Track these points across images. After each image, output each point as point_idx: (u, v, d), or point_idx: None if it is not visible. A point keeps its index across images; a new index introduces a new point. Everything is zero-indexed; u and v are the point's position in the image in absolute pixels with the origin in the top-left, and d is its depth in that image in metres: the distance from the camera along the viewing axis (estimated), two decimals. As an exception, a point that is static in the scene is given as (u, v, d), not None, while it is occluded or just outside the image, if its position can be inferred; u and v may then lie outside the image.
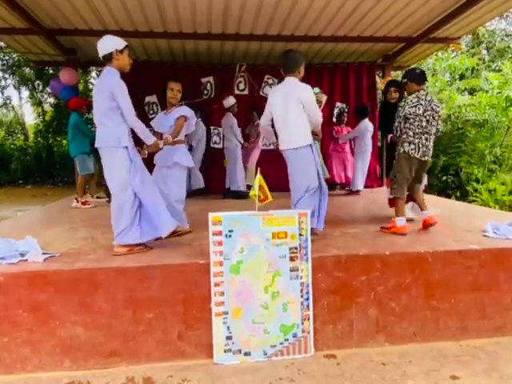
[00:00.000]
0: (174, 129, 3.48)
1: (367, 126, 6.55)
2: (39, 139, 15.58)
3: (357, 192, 6.61)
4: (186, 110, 3.58)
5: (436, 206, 4.44)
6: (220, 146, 7.13)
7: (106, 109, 2.87)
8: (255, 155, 6.63)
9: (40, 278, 2.53)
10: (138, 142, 3.08)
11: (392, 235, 3.50)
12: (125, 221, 2.92)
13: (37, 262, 2.70)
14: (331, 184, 6.61)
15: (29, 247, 2.82)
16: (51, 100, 15.84)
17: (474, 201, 7.85)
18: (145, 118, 6.61)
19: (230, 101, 6.29)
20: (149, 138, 3.05)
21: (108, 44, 2.91)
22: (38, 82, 15.48)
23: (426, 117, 3.56)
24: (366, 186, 7.08)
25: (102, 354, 2.55)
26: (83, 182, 5.84)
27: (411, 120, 3.55)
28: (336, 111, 7.33)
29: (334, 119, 7.28)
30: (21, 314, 2.48)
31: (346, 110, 7.30)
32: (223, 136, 6.78)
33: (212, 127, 7.09)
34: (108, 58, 2.91)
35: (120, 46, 2.91)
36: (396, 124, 3.66)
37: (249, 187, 6.22)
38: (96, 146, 2.96)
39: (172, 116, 3.54)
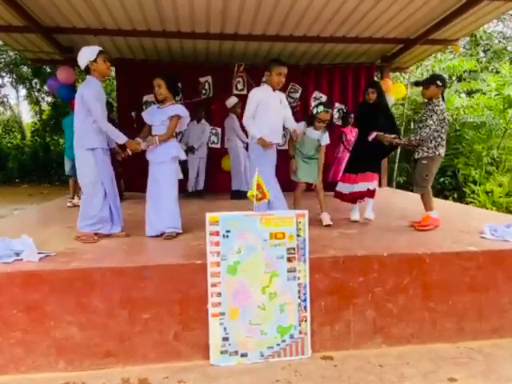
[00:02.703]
0: (168, 129, 3.46)
1: None
2: (36, 138, 15.54)
3: None
4: (181, 109, 3.55)
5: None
6: (218, 145, 7.12)
7: (78, 113, 3.25)
8: None
9: (35, 277, 2.50)
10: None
11: (391, 235, 3.51)
12: (83, 210, 3.33)
13: (32, 262, 2.67)
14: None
15: (24, 246, 2.79)
16: (48, 99, 15.80)
17: (471, 202, 7.86)
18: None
19: (231, 100, 6.25)
20: (120, 138, 3.33)
21: (82, 58, 3.26)
22: (35, 80, 15.44)
23: None
24: None
25: (98, 355, 2.52)
26: None
27: (444, 124, 3.81)
28: (337, 112, 7.29)
29: (339, 121, 7.19)
30: (15, 313, 2.46)
31: (345, 110, 7.28)
32: (223, 136, 6.78)
33: (210, 127, 7.07)
34: (87, 70, 3.29)
35: (92, 57, 3.24)
36: (433, 127, 3.75)
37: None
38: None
39: (166, 112, 3.49)
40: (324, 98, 7.29)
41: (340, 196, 4.38)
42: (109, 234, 3.42)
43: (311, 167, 4.19)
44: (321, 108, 4.05)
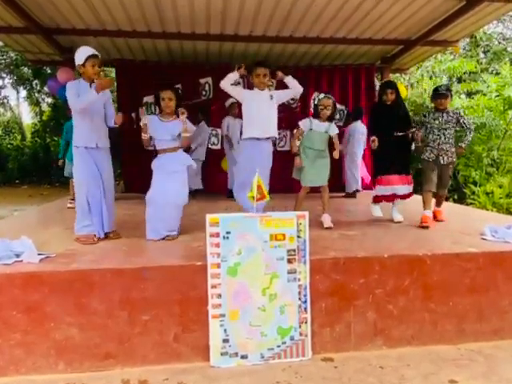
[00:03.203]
0: (183, 142, 3.51)
1: (357, 127, 6.56)
2: (36, 139, 15.54)
3: (352, 194, 6.61)
4: (189, 126, 3.56)
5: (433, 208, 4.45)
6: (218, 147, 7.13)
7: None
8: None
9: (35, 278, 2.50)
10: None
11: (392, 236, 3.51)
12: (77, 213, 3.33)
13: (32, 263, 2.66)
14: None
15: (24, 248, 2.79)
16: (49, 100, 15.80)
17: (471, 203, 7.86)
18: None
19: (228, 100, 6.31)
20: (91, 94, 3.17)
21: (75, 60, 3.30)
22: (35, 81, 15.45)
23: None
24: (365, 188, 7.06)
25: (98, 356, 2.52)
26: None
27: None
28: (338, 113, 7.30)
29: (341, 123, 7.21)
30: (15, 315, 2.45)
31: (346, 111, 7.29)
32: (222, 137, 6.80)
33: (210, 128, 7.08)
34: (78, 71, 3.38)
35: (81, 61, 3.26)
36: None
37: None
38: None
39: (174, 128, 3.47)
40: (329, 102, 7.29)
41: (380, 199, 4.35)
42: (99, 236, 3.37)
43: (320, 169, 4.03)
44: (321, 95, 4.03)
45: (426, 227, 3.86)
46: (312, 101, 4.20)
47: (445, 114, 4.15)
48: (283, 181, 6.83)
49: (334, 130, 4.05)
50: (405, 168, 4.26)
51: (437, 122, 4.16)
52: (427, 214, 4.03)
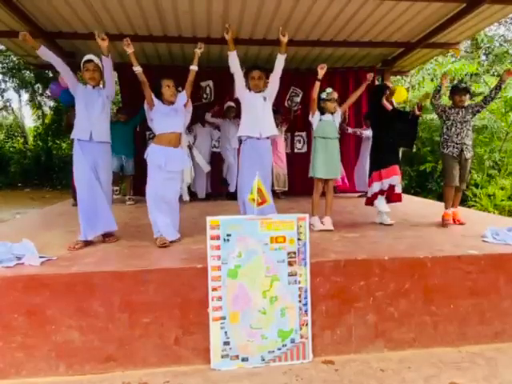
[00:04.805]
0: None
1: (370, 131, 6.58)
2: (38, 142, 15.61)
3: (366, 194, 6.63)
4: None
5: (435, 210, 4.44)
6: (219, 149, 7.17)
7: None
8: (284, 159, 6.73)
9: (36, 281, 2.50)
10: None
11: (392, 238, 3.51)
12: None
13: (33, 266, 2.67)
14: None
15: (25, 250, 2.80)
16: (51, 103, 15.88)
17: (473, 206, 7.84)
18: (145, 122, 6.59)
19: (226, 105, 6.38)
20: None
21: None
22: (37, 85, 15.53)
23: None
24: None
25: (98, 359, 2.52)
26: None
27: None
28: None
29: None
30: (16, 318, 2.46)
31: (347, 114, 7.29)
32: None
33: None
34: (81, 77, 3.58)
35: (81, 69, 3.49)
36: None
37: (274, 192, 6.32)
38: None
39: (179, 106, 3.59)
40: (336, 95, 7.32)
41: (372, 199, 4.29)
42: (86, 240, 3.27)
43: (332, 161, 4.01)
44: (329, 89, 4.15)
45: (446, 225, 3.99)
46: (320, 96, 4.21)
47: (464, 110, 4.21)
48: (301, 182, 6.84)
49: (338, 117, 4.19)
50: (396, 159, 4.27)
51: (459, 115, 4.19)
52: (449, 211, 4.11)
